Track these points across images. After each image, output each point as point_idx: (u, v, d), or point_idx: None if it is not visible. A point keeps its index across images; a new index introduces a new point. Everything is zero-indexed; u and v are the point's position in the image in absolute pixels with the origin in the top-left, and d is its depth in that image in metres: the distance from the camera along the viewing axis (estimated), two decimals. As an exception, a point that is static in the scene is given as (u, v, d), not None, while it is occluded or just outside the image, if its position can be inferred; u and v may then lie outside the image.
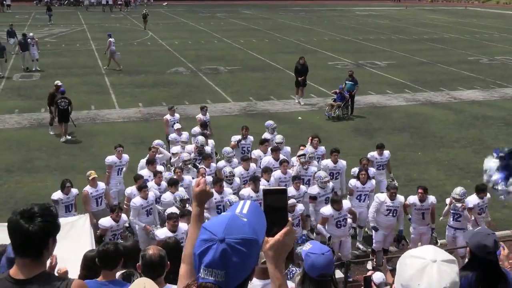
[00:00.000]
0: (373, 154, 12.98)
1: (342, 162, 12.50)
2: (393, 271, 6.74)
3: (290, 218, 2.18)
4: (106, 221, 9.69)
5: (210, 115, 20.79)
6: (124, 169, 12.69)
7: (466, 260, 4.73)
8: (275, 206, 2.14)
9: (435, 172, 15.54)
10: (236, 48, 37.28)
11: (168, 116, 15.64)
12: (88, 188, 11.07)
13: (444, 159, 16.74)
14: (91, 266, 5.25)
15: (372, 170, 12.17)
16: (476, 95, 25.02)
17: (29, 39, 28.65)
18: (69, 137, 17.97)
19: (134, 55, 33.72)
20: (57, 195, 10.46)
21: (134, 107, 21.93)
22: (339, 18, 59.08)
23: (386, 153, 13.07)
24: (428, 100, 23.97)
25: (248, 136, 13.95)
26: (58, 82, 18.87)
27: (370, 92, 24.80)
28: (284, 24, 52.81)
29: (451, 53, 36.34)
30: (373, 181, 11.80)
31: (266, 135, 13.96)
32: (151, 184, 11.18)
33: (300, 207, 10.50)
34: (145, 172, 11.78)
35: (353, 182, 11.56)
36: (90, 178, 11.08)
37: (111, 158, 12.58)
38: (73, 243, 6.88)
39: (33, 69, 28.52)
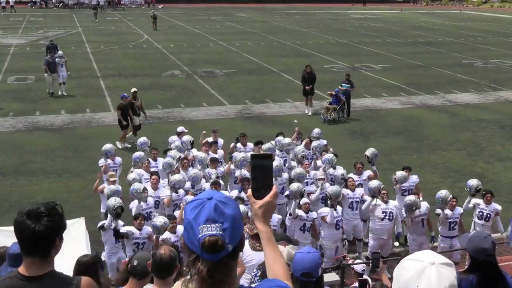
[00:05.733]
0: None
1: (340, 168, 12.38)
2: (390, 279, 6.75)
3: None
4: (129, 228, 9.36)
5: (206, 118, 20.89)
6: (118, 171, 12.62)
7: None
8: (261, 166, 2.41)
9: (430, 175, 15.57)
10: (232, 51, 37.28)
11: (210, 139, 13.98)
12: (105, 185, 11.08)
13: (439, 162, 16.78)
14: (83, 271, 5.23)
15: (365, 173, 12.16)
16: (471, 98, 25.09)
17: (57, 59, 24.14)
18: (123, 145, 17.37)
19: (129, 58, 33.70)
20: (126, 229, 9.47)
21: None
22: (335, 21, 59.18)
23: (414, 177, 12.05)
24: (423, 103, 24.03)
25: (247, 143, 13.86)
26: (134, 89, 18.65)
27: (365, 95, 24.84)
28: (279, 27, 52.85)
29: (446, 56, 36.45)
30: (362, 189, 11.52)
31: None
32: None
33: (313, 214, 10.45)
34: (139, 172, 11.83)
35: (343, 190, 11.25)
36: (110, 179, 11.06)
37: (103, 160, 12.42)
38: (68, 246, 6.86)
39: (59, 94, 24.16)
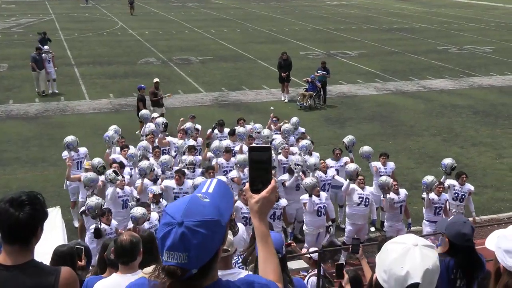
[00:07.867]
0: (377, 164, 12.01)
1: (316, 154, 12.40)
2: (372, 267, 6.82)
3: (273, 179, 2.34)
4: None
5: (183, 105, 20.80)
6: (83, 162, 11.92)
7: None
8: (259, 159, 2.30)
9: (406, 161, 15.75)
10: (208, 38, 37.08)
11: (188, 124, 13.64)
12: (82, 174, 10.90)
13: (414, 148, 16.96)
14: (60, 261, 5.20)
15: (343, 159, 12.27)
16: (445, 84, 25.35)
17: (43, 54, 22.17)
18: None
19: (104, 45, 33.32)
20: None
21: (105, 98, 21.70)
22: (310, 8, 59.13)
23: (391, 163, 12.15)
24: (398, 89, 24.22)
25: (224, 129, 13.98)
26: (156, 79, 18.06)
27: (341, 82, 24.94)
28: (255, 14, 52.67)
29: (421, 42, 36.70)
30: (333, 169, 11.84)
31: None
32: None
33: (283, 202, 10.47)
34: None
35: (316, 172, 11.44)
36: (86, 167, 11.03)
37: (66, 152, 11.80)
38: (44, 236, 6.80)
39: (50, 92, 22.29)
